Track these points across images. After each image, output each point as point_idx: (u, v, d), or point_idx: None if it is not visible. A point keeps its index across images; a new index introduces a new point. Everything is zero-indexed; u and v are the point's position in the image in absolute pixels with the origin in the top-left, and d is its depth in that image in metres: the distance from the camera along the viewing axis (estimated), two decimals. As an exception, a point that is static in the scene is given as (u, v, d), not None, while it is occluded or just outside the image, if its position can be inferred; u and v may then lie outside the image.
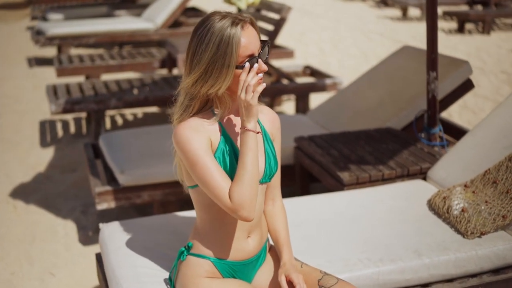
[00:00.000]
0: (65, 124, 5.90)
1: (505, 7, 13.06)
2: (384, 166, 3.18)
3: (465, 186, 2.81)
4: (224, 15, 1.91)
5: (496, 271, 2.48)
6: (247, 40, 1.87)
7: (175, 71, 6.90)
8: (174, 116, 2.04)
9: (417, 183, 3.07)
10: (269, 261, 2.19)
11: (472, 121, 5.88)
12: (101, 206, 3.37)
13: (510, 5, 13.46)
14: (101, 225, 2.67)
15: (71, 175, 4.65)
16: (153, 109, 6.31)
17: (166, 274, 2.25)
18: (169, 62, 6.74)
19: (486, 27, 11.52)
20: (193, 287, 2.03)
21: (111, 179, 3.51)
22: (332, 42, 10.43)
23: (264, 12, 5.76)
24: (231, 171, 1.95)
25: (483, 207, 2.63)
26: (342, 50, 9.85)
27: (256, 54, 1.90)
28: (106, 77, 7.10)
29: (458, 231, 2.57)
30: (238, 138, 2.02)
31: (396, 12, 14.76)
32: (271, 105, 6.46)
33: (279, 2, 5.74)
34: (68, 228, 3.79)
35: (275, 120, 2.18)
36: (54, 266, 3.39)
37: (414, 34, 11.56)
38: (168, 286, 2.19)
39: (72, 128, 5.79)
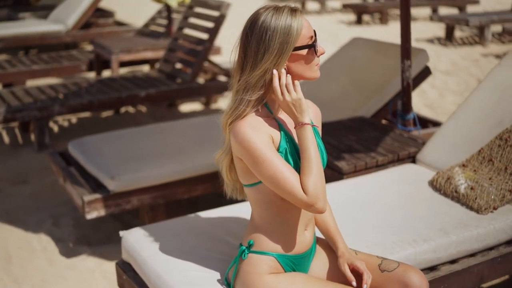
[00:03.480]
0: (-2, 135, 5.58)
1: (396, -1, 13.73)
2: (375, 153, 3.30)
3: (463, 165, 2.98)
4: (277, 7, 1.96)
5: (509, 242, 2.66)
6: (306, 23, 1.95)
7: (107, 73, 6.70)
8: (227, 115, 2.02)
9: (411, 167, 3.21)
10: (320, 252, 2.22)
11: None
12: (91, 215, 3.24)
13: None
14: (121, 233, 2.58)
15: (24, 187, 4.41)
16: (85, 113, 6.10)
17: (217, 275, 2.22)
18: (98, 64, 6.52)
19: (383, 18, 12.09)
20: (259, 284, 2.02)
21: (96, 186, 3.37)
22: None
23: (201, 10, 5.72)
24: (296, 167, 1.97)
25: (486, 184, 2.80)
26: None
27: (314, 36, 1.96)
28: (31, 83, 6.76)
29: (471, 208, 2.72)
30: (294, 133, 2.04)
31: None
32: (207, 103, 6.45)
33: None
34: (44, 242, 3.61)
35: (318, 113, 2.22)
36: (44, 283, 3.22)
37: (316, 27, 11.88)
38: (224, 286, 2.16)
39: (6, 139, 5.47)
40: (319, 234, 2.30)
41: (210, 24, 5.53)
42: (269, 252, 2.05)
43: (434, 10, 12.84)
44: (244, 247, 2.08)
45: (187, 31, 5.94)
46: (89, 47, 8.70)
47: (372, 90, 4.04)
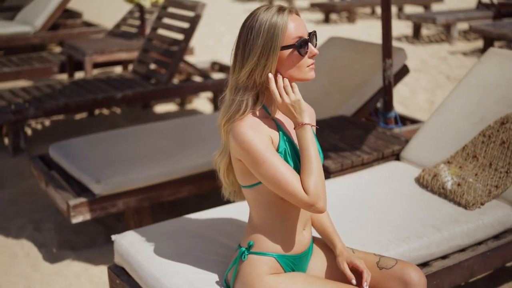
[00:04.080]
0: (-31, 139, 5.45)
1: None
2: (360, 151, 3.33)
3: (448, 162, 3.03)
4: (269, 6, 1.96)
5: (497, 236, 2.72)
6: (295, 23, 1.93)
7: (79, 75, 6.61)
8: (224, 116, 2.02)
9: (396, 165, 3.25)
10: (317, 251, 2.23)
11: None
12: (77, 219, 3.20)
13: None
14: (113, 237, 2.56)
15: (1, 192, 4.32)
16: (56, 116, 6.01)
17: (215, 277, 2.22)
18: (70, 66, 6.42)
19: (351, 17, 12.19)
20: (260, 285, 2.02)
21: (80, 190, 3.33)
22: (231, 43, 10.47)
23: (176, 10, 5.68)
24: (295, 167, 1.98)
25: (472, 180, 2.86)
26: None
27: (306, 37, 1.95)
28: (1, 86, 6.63)
29: (458, 204, 2.77)
30: (292, 133, 2.05)
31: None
32: (181, 104, 6.42)
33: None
34: (26, 248, 3.54)
35: (312, 113, 2.23)
36: (30, 289, 3.17)
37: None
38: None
39: (-23, 143, 5.36)
40: (315, 234, 2.31)
41: (185, 25, 5.50)
42: (269, 252, 2.06)
43: (400, 9, 13.00)
44: (243, 249, 2.08)
45: (161, 31, 5.89)
46: (57, 49, 8.57)
47: (352, 89, 4.08)
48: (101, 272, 3.28)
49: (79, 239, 3.64)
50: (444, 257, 2.57)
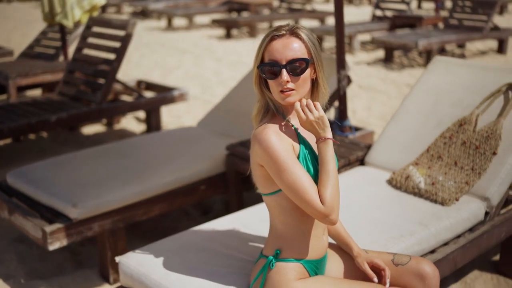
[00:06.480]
0: None
1: (260, 13, 14.22)
2: (328, 159, 3.47)
3: (416, 164, 3.24)
4: (280, 26, 2.06)
5: (471, 229, 2.94)
6: (275, 46, 2.01)
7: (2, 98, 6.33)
8: (256, 120, 2.14)
9: (363, 170, 3.43)
10: (332, 254, 2.33)
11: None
12: (53, 246, 3.10)
13: (262, 11, 14.69)
14: (117, 258, 2.54)
15: None
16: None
17: (238, 288, 2.26)
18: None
19: (253, 31, 12.46)
20: (290, 291, 2.09)
21: (52, 216, 3.23)
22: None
23: (103, 29, 5.59)
24: (315, 177, 2.07)
25: (442, 178, 3.08)
26: (145, 65, 9.87)
27: (283, 63, 1.99)
28: None
29: (435, 201, 2.97)
30: (312, 143, 2.14)
31: (162, 23, 15.09)
32: (108, 124, 6.31)
33: (115, 18, 5.64)
34: (-10, 281, 3.38)
35: None
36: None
37: (189, 43, 11.99)
38: (251, 298, 2.21)
39: None
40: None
41: (116, 44, 5.44)
42: (296, 259, 2.13)
43: (296, 22, 13.46)
44: (271, 257, 2.14)
45: (88, 51, 5.78)
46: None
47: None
48: (80, 298, 3.20)
49: (46, 267, 3.52)
50: (432, 251, 2.75)
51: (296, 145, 2.07)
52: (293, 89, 2.01)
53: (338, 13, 3.66)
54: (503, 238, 3.09)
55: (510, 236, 3.16)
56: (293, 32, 2.02)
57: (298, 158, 2.05)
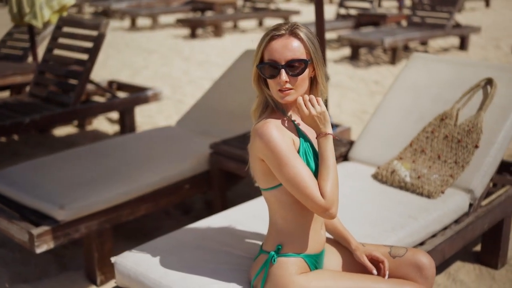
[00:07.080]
0: None
1: (225, 13, 14.22)
2: (312, 155, 3.51)
3: (400, 158, 3.30)
4: (279, 24, 2.08)
5: (457, 221, 3.02)
6: (274, 46, 2.02)
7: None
8: (255, 115, 2.16)
9: (348, 165, 3.47)
10: (329, 248, 2.37)
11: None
12: (41, 249, 3.05)
13: (226, 11, 14.70)
14: (113, 259, 2.52)
15: None
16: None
17: (239, 285, 2.27)
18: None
19: (218, 31, 12.45)
20: (293, 285, 2.11)
21: (37, 218, 3.18)
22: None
23: (74, 30, 5.52)
24: (315, 172, 2.10)
25: (426, 171, 3.15)
26: (112, 65, 9.77)
27: (282, 63, 2.01)
28: None
29: (421, 194, 3.04)
30: (312, 138, 2.17)
31: (125, 23, 14.94)
32: (80, 126, 6.24)
33: (87, 18, 5.57)
34: (-27, 287, 3.32)
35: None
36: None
37: (153, 43, 11.92)
38: (253, 294, 2.22)
39: None
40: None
41: (88, 44, 5.37)
42: (297, 253, 2.16)
43: (261, 22, 13.52)
44: (273, 252, 2.16)
45: (59, 51, 5.70)
46: None
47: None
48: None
49: (29, 271, 3.47)
50: (422, 243, 2.81)
51: (297, 140, 2.10)
52: (291, 89, 2.03)
53: (319, 10, 3.70)
54: (486, 229, 3.17)
55: (491, 227, 3.25)
56: (293, 31, 2.03)
57: (298, 152, 2.08)
